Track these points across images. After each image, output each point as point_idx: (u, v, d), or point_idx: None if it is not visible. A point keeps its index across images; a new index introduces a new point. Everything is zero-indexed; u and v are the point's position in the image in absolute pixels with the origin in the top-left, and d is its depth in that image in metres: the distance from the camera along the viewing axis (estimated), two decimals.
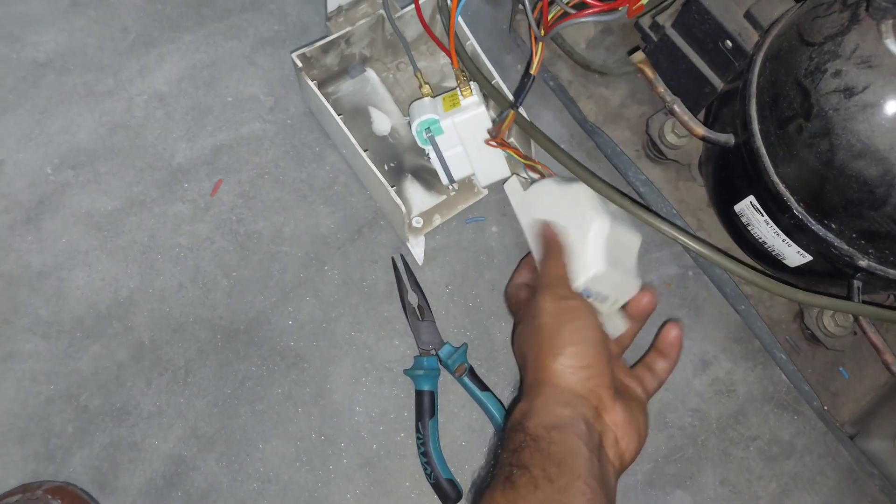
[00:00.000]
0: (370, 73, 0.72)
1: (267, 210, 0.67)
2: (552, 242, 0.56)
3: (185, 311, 0.63)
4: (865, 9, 0.46)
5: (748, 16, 0.62)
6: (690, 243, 0.58)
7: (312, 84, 0.63)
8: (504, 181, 0.65)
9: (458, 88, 0.63)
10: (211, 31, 0.73)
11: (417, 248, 0.67)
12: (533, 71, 0.60)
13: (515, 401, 0.49)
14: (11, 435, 0.59)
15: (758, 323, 0.68)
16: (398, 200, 0.62)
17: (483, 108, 0.62)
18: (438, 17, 0.68)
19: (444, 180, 0.67)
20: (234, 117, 0.70)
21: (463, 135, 0.63)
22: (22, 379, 0.61)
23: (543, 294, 0.52)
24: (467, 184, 0.70)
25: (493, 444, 0.60)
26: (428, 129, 0.62)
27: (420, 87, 0.66)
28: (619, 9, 0.55)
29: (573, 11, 0.56)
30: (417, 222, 0.68)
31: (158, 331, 0.63)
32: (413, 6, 0.67)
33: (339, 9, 0.68)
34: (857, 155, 0.49)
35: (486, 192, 0.70)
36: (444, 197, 0.70)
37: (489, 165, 0.67)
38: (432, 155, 0.64)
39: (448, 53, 0.62)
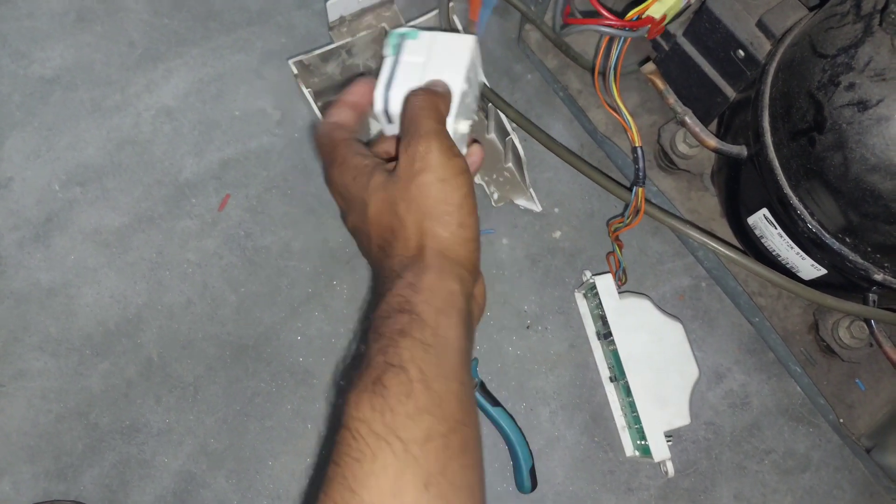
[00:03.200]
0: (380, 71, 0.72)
1: (275, 224, 0.67)
2: (441, 86, 0.45)
3: (194, 327, 0.63)
4: (879, 22, 0.46)
5: (760, 25, 0.61)
6: (721, 248, 0.57)
7: (307, 91, 0.63)
8: None
9: None
10: (218, 45, 0.73)
11: None
12: (637, 143, 0.59)
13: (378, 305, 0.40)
14: (22, 453, 0.59)
15: (772, 335, 0.68)
16: None
17: (473, 39, 0.48)
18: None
19: (377, 105, 0.48)
20: (241, 131, 0.70)
21: (434, 51, 0.48)
22: (32, 397, 0.61)
23: (431, 143, 0.40)
24: None
25: (363, 328, 0.50)
26: (403, 36, 0.48)
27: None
28: (640, 29, 0.55)
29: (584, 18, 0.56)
30: None
31: (167, 347, 0.63)
32: (419, 20, 0.67)
33: (342, 19, 0.68)
34: (872, 169, 0.48)
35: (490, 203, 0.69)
36: None
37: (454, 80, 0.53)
38: (387, 62, 0.48)
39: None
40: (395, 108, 0.47)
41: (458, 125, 0.48)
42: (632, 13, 0.55)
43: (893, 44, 0.43)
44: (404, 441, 0.33)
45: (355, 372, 0.36)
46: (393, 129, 0.49)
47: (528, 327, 0.68)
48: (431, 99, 0.43)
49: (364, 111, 0.48)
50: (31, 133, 0.68)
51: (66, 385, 0.61)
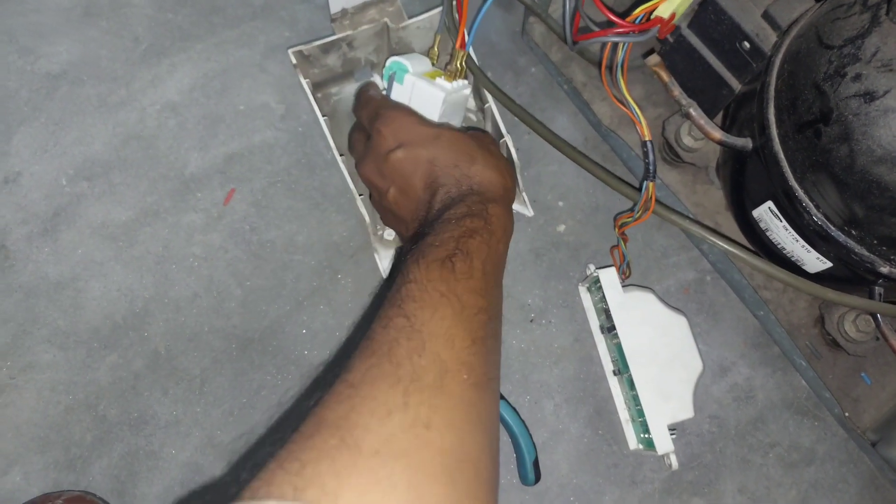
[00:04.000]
0: (376, 79, 0.72)
1: (279, 219, 0.67)
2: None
3: (200, 320, 0.64)
4: (886, 12, 0.45)
5: (766, 16, 0.61)
6: (721, 244, 0.57)
7: (305, 82, 0.63)
8: None
9: (447, 69, 0.62)
10: (222, 40, 0.74)
11: (385, 261, 0.65)
12: (647, 137, 0.58)
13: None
14: (32, 444, 0.60)
15: (777, 328, 0.67)
16: (363, 210, 0.62)
17: (442, 98, 0.60)
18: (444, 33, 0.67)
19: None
20: (246, 126, 0.70)
21: (413, 101, 0.61)
22: (42, 389, 0.61)
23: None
24: None
25: (443, 199, 0.51)
26: (393, 71, 0.62)
27: (431, 46, 0.65)
28: (650, 30, 0.54)
29: (597, 29, 0.55)
30: (389, 235, 0.66)
31: (174, 340, 0.63)
32: (421, 17, 0.67)
33: (344, 12, 0.68)
34: (878, 160, 0.48)
35: None
36: None
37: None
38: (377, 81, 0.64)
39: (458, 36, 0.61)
40: None
41: None
42: (637, 11, 0.54)
43: None
44: (463, 305, 0.41)
45: (418, 246, 0.45)
46: None
47: (531, 321, 0.68)
48: None
49: None
50: (39, 128, 0.68)
51: (75, 377, 0.62)
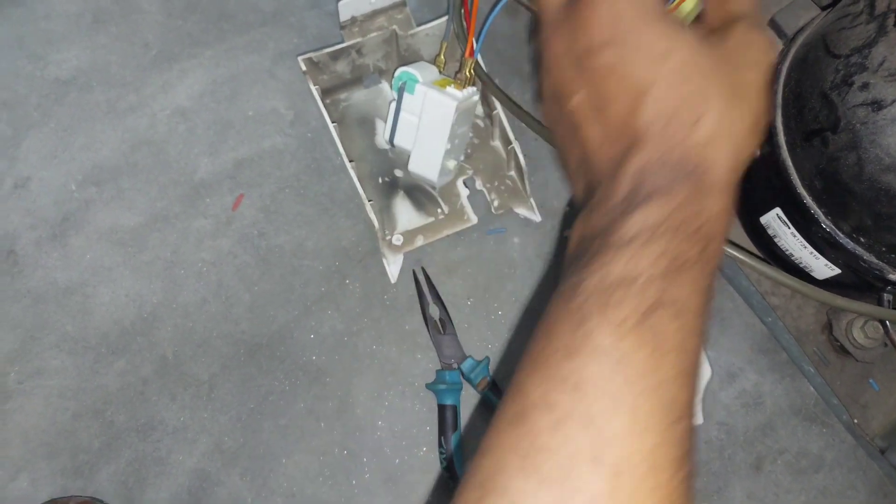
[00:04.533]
0: (384, 86, 0.72)
1: (289, 224, 0.67)
2: None
3: (209, 326, 0.64)
4: (893, 23, 0.45)
5: (773, 24, 0.61)
6: (730, 251, 0.57)
7: (314, 88, 0.64)
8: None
9: (456, 77, 0.63)
10: (231, 46, 0.74)
11: (393, 266, 0.67)
12: None
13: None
14: (41, 450, 0.60)
15: (785, 335, 0.67)
16: (373, 215, 0.63)
17: (455, 106, 0.60)
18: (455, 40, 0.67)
19: (385, 136, 0.66)
20: (255, 131, 0.71)
21: (425, 110, 0.62)
22: (50, 395, 0.61)
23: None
24: (458, 210, 0.69)
25: (640, 165, 0.33)
26: (403, 81, 0.62)
27: (438, 54, 0.65)
28: None
29: None
30: (398, 240, 0.67)
31: (182, 346, 0.63)
32: (430, 24, 0.67)
33: (353, 20, 0.68)
34: (886, 169, 0.48)
35: (475, 219, 0.69)
36: (432, 219, 0.69)
37: (425, 157, 0.65)
38: (392, 105, 0.64)
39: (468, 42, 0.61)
40: (402, 144, 0.65)
41: (447, 162, 0.65)
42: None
43: None
44: (663, 404, 0.28)
45: (598, 268, 0.30)
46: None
47: None
48: None
49: None
50: (48, 134, 0.68)
51: (83, 383, 0.62)
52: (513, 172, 0.71)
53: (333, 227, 0.68)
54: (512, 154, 0.68)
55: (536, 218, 0.70)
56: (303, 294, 0.65)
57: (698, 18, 0.42)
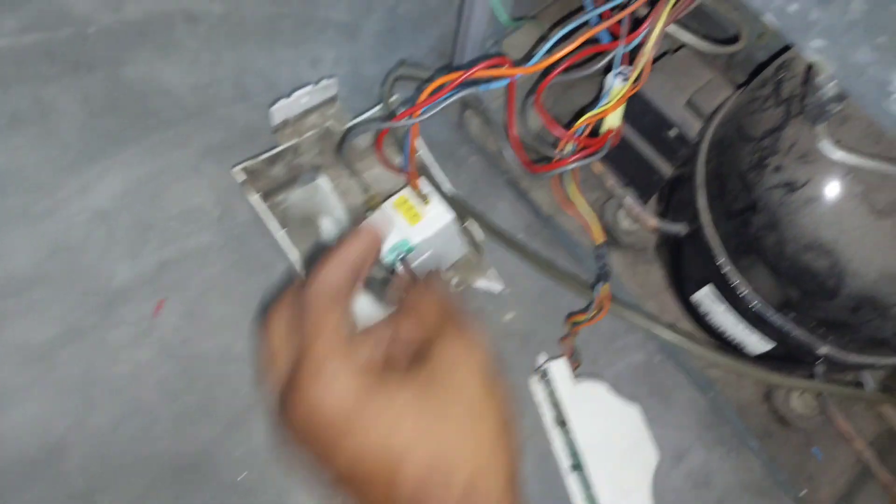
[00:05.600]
0: (322, 181, 0.71)
1: (214, 328, 0.64)
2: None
3: (125, 448, 0.59)
4: (799, 112, 0.47)
5: (690, 104, 0.63)
6: (668, 337, 0.57)
7: (256, 197, 0.62)
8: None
9: (414, 196, 0.62)
10: (155, 143, 0.72)
11: None
12: (600, 241, 0.58)
13: None
14: None
15: (727, 408, 0.67)
16: None
17: (453, 215, 0.61)
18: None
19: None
20: (179, 230, 0.68)
21: (433, 243, 0.61)
22: None
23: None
24: None
25: None
26: (400, 251, 0.59)
27: (367, 200, 0.64)
28: (607, 143, 0.55)
29: (562, 157, 0.55)
30: None
31: (95, 475, 0.58)
32: (364, 116, 0.67)
33: (286, 121, 0.67)
34: (806, 247, 0.49)
35: None
36: (394, 308, 0.67)
37: (451, 253, 0.67)
38: (399, 268, 0.60)
39: (407, 175, 0.60)
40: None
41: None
42: (581, 122, 0.53)
43: (814, 133, 0.45)
44: None
45: None
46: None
47: None
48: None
49: (364, 273, 0.38)
50: None
51: None
52: (468, 248, 0.70)
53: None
54: (466, 229, 0.68)
55: (499, 287, 0.70)
56: (230, 405, 0.62)
57: None
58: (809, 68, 0.44)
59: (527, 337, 0.70)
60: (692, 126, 0.63)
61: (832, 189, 0.46)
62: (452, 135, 0.79)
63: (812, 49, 0.37)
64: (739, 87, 0.63)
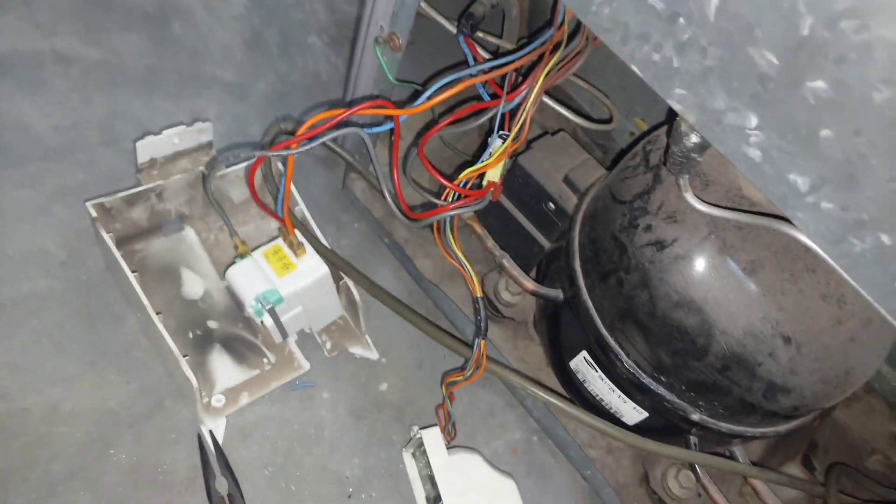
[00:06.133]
0: (188, 232, 0.66)
1: (41, 382, 0.55)
2: None
3: None
4: (664, 162, 0.49)
5: (567, 180, 0.65)
6: (545, 396, 0.55)
7: (107, 236, 0.56)
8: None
9: (287, 247, 0.58)
10: (1, 179, 0.65)
11: (218, 431, 0.57)
12: (478, 294, 0.56)
13: None
14: None
15: (605, 489, 0.65)
16: (189, 373, 0.53)
17: (326, 268, 0.58)
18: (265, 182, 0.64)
19: (278, 338, 0.60)
20: (13, 273, 0.60)
21: (305, 297, 0.58)
22: None
23: None
24: (286, 357, 0.63)
25: None
26: (266, 301, 0.55)
27: (236, 247, 0.60)
28: (486, 195, 0.55)
29: (444, 204, 0.54)
30: (218, 401, 0.58)
31: None
32: (240, 166, 0.64)
33: (153, 161, 0.63)
34: (676, 305, 0.49)
35: (307, 365, 0.63)
36: (258, 371, 0.61)
37: (325, 312, 0.64)
38: (266, 320, 0.57)
39: (280, 220, 0.57)
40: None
41: None
42: (464, 175, 0.54)
43: (679, 183, 0.46)
44: None
45: None
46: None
47: (349, 496, 0.60)
48: None
49: None
50: None
51: None
52: (344, 312, 0.66)
53: (101, 385, 0.57)
54: (343, 289, 0.64)
55: (374, 355, 0.65)
56: (48, 470, 0.52)
57: None
58: (672, 122, 0.46)
59: (402, 408, 0.65)
60: (569, 199, 0.64)
61: (698, 246, 0.48)
62: (335, 200, 0.77)
63: (675, 97, 0.39)
64: (608, 169, 0.66)
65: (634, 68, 0.41)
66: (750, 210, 0.45)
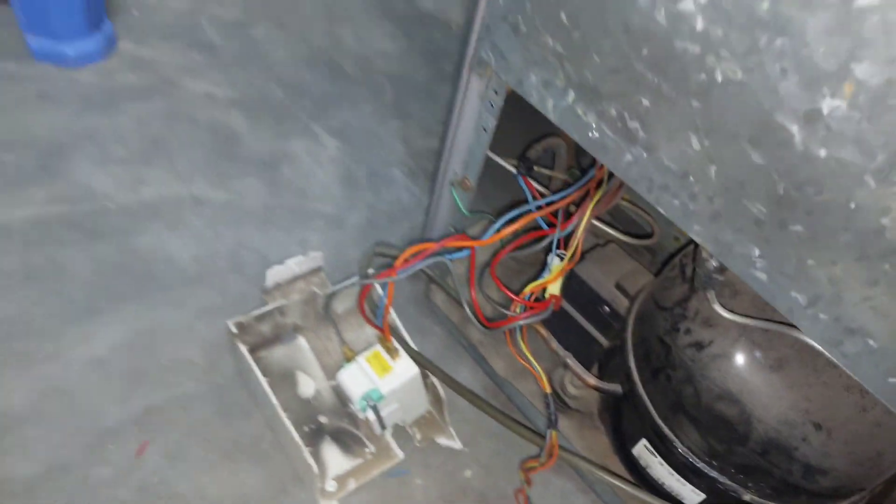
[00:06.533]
0: (301, 341, 0.80)
1: (192, 470, 0.68)
2: None
3: None
4: (700, 283, 0.60)
5: (618, 286, 0.76)
6: (610, 479, 0.63)
7: (243, 348, 0.70)
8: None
9: (384, 352, 0.70)
10: (154, 302, 0.81)
11: None
12: (547, 390, 0.67)
13: None
14: None
15: None
16: (311, 461, 0.65)
17: (417, 369, 0.70)
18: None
19: (378, 431, 0.71)
20: (168, 379, 0.74)
21: (400, 394, 0.69)
22: None
23: None
24: (384, 447, 0.74)
25: None
26: (370, 399, 0.67)
27: (344, 353, 0.73)
28: (549, 307, 0.67)
29: (514, 314, 0.67)
30: (331, 486, 0.69)
31: None
32: (344, 286, 0.78)
33: (277, 285, 0.78)
34: (717, 397, 0.58)
35: (402, 454, 0.74)
36: (361, 460, 0.72)
37: (416, 407, 0.74)
38: (370, 415, 0.68)
39: (380, 329, 0.70)
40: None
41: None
42: (528, 289, 0.66)
43: (708, 297, 0.57)
44: None
45: None
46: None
47: None
48: None
49: None
50: None
51: None
52: (430, 406, 0.77)
53: (236, 473, 0.69)
54: (430, 387, 0.75)
55: (458, 445, 0.75)
56: None
57: None
58: (696, 248, 0.57)
59: (485, 493, 0.74)
60: (621, 303, 0.75)
61: (731, 346, 0.57)
62: (419, 309, 0.90)
63: (694, 231, 0.50)
64: (656, 274, 0.77)
65: (660, 209, 0.52)
66: (769, 318, 0.54)
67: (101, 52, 1.06)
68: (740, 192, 0.46)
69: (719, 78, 0.43)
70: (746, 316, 0.55)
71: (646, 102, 0.49)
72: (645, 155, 0.51)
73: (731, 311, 0.56)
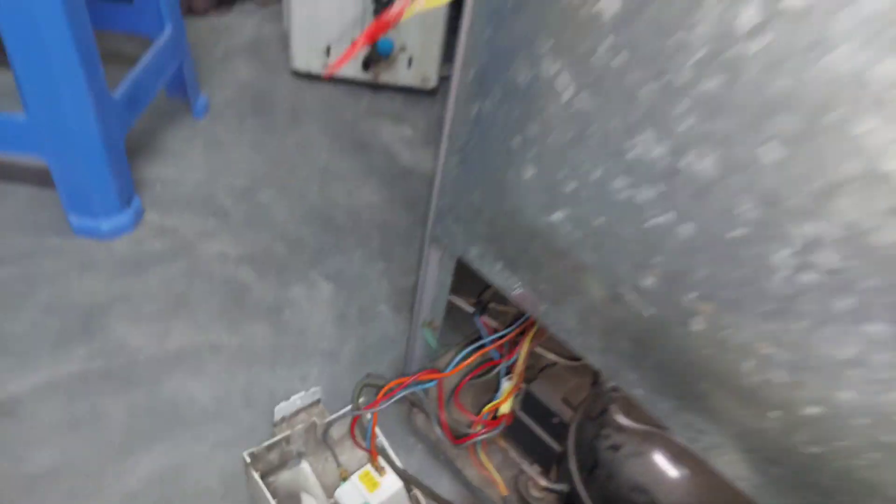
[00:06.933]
0: (304, 465, 0.95)
1: None
2: None
3: None
4: (610, 400, 0.76)
5: (564, 400, 0.92)
6: None
7: (256, 475, 0.85)
8: None
9: (373, 470, 0.85)
10: (181, 439, 0.96)
11: None
12: (504, 493, 0.82)
13: None
14: None
15: None
16: None
17: (401, 483, 0.84)
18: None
19: None
20: None
21: None
22: None
23: None
24: None
25: None
26: None
27: (341, 474, 0.88)
28: (501, 424, 0.83)
29: (474, 432, 0.83)
30: None
31: None
32: (338, 413, 0.94)
33: (283, 417, 0.94)
34: (633, 489, 0.73)
35: None
36: None
37: None
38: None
39: (368, 451, 0.85)
40: None
41: None
42: (486, 409, 0.83)
43: (610, 409, 0.73)
44: None
45: None
46: None
47: None
48: None
49: None
50: None
51: None
52: None
53: None
54: (414, 499, 0.89)
55: None
56: None
57: None
58: (596, 374, 0.74)
59: None
60: (567, 415, 0.91)
61: (637, 447, 0.73)
62: (403, 428, 1.05)
63: (593, 361, 0.68)
64: (592, 385, 0.93)
65: (569, 345, 0.70)
66: (655, 423, 0.70)
67: (131, 225, 1.28)
68: (616, 335, 0.63)
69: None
70: (640, 422, 0.71)
71: (546, 275, 0.68)
72: (552, 308, 0.69)
73: (631, 419, 0.72)
